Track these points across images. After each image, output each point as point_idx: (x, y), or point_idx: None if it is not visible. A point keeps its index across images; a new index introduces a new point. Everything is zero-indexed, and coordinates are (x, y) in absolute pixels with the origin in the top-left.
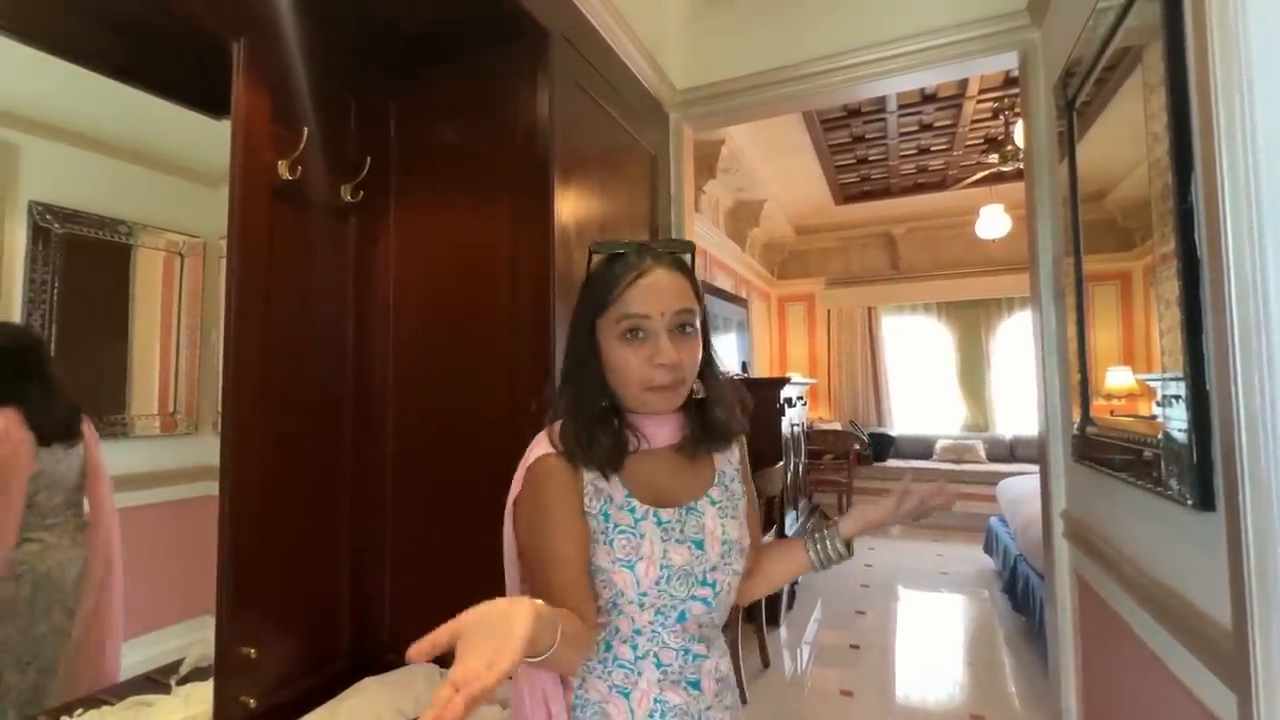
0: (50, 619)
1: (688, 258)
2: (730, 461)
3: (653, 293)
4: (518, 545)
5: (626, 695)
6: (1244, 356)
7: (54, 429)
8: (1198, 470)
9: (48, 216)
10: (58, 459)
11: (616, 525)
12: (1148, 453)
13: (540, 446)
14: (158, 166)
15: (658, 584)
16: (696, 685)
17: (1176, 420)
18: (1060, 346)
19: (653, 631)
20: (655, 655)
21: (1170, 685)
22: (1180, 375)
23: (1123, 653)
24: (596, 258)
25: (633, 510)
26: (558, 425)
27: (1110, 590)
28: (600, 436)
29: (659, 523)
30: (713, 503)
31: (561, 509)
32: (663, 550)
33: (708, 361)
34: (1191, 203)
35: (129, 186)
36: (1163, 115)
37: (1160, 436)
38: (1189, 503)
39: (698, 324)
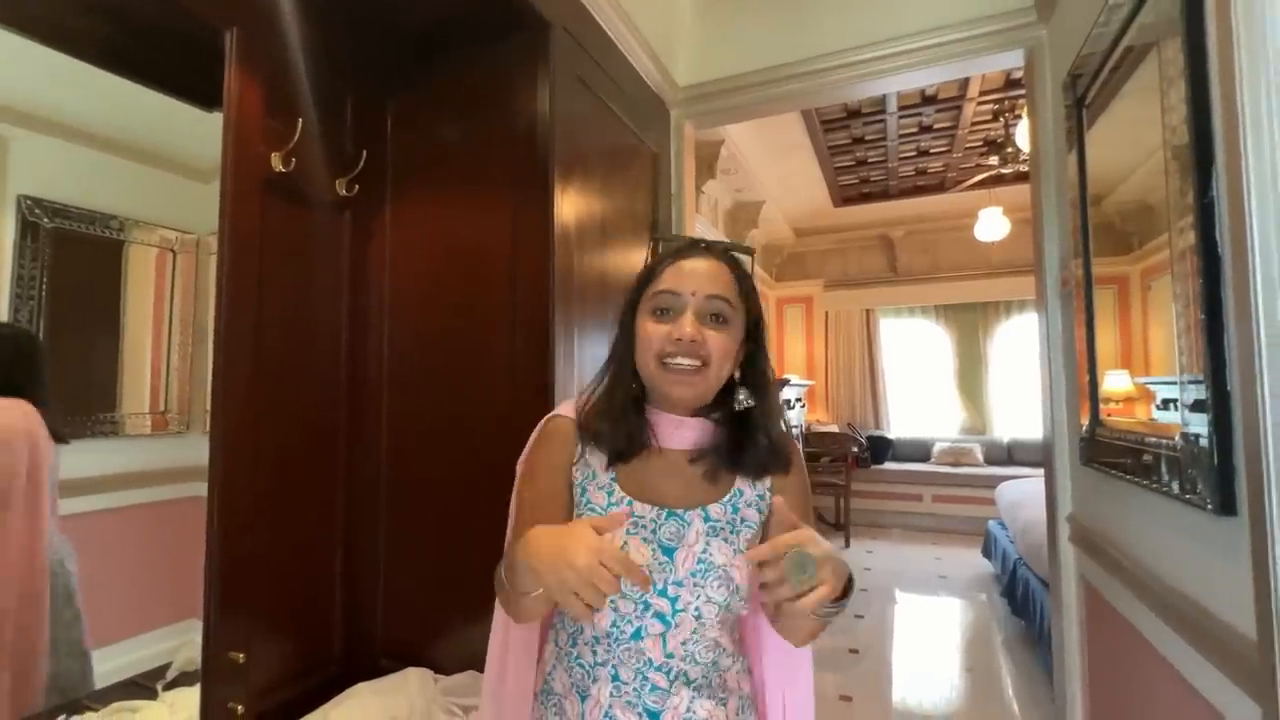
0: (55, 613)
1: (746, 260)
2: (757, 488)
3: (688, 273)
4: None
5: (583, 699)
6: (1271, 356)
7: (57, 428)
8: (1219, 474)
9: (36, 211)
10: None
11: (589, 502)
12: (1163, 456)
13: (561, 407)
14: (150, 161)
15: None
16: (656, 717)
17: (1195, 422)
18: (1067, 348)
19: (611, 641)
20: (613, 668)
21: (1187, 696)
22: (1199, 376)
23: (1134, 661)
24: (653, 246)
25: (610, 492)
26: (586, 396)
27: (1120, 597)
28: (622, 425)
29: (630, 514)
30: (706, 519)
31: (551, 467)
32: (623, 543)
33: (760, 372)
34: (1213, 197)
35: (120, 181)
36: (1182, 108)
37: (1177, 439)
38: (1209, 507)
39: (734, 318)
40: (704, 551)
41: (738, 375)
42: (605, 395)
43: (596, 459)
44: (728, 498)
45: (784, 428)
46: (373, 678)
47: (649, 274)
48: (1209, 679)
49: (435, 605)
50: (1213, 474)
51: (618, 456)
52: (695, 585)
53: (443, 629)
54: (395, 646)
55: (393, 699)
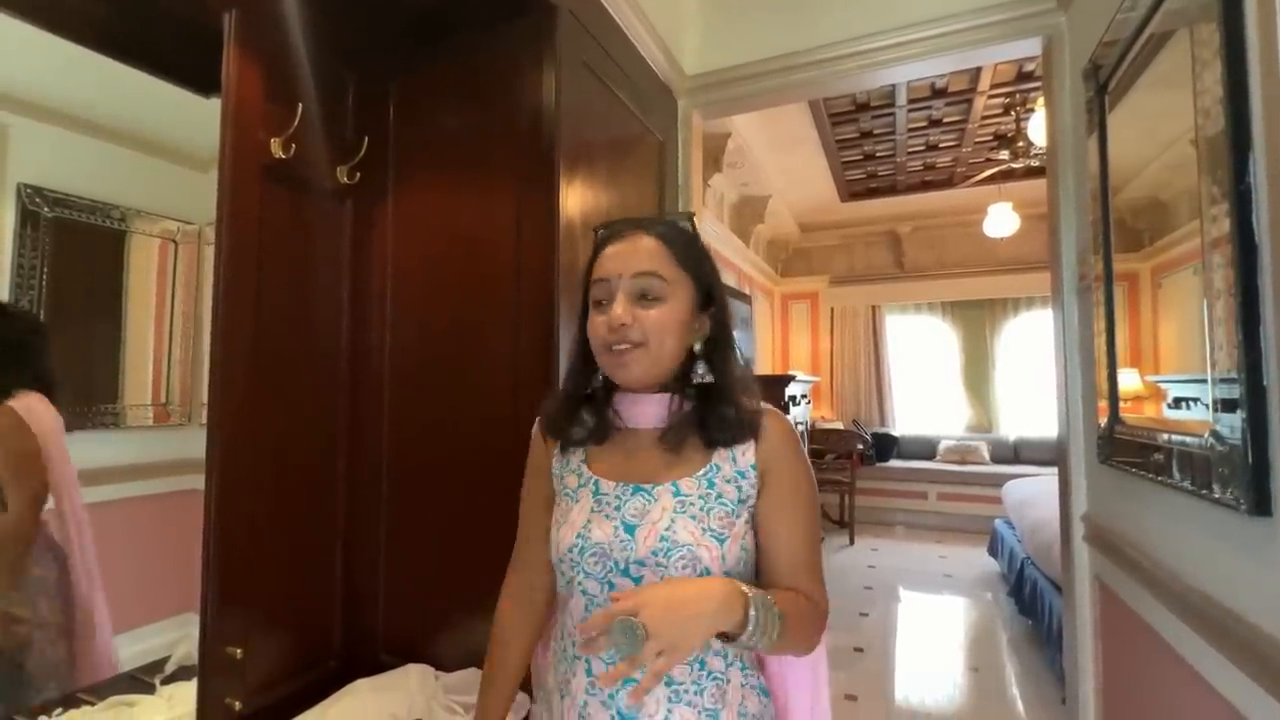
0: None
1: (686, 225)
2: (739, 461)
3: (617, 257)
4: None
5: (563, 696)
6: None
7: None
8: (1253, 473)
9: (37, 200)
10: None
11: (565, 488)
12: (1187, 453)
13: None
14: (152, 151)
15: (570, 552)
16: None
17: (1227, 419)
18: (1084, 345)
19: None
20: (587, 660)
21: (1207, 697)
22: (1231, 371)
23: (1151, 661)
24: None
25: (580, 474)
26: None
27: (1138, 597)
28: (584, 415)
29: (595, 493)
30: (675, 494)
31: (535, 472)
32: (586, 520)
33: (717, 346)
34: (1250, 183)
35: (122, 171)
36: (1216, 90)
37: (1207, 437)
38: (1242, 507)
39: (671, 291)
40: (668, 529)
41: (698, 348)
42: (560, 392)
43: (570, 449)
44: (702, 472)
45: (755, 396)
46: (373, 674)
47: (588, 266)
48: (1232, 680)
49: (437, 600)
50: (1246, 473)
51: (582, 442)
52: (658, 565)
53: (444, 625)
54: (396, 642)
55: (392, 696)
